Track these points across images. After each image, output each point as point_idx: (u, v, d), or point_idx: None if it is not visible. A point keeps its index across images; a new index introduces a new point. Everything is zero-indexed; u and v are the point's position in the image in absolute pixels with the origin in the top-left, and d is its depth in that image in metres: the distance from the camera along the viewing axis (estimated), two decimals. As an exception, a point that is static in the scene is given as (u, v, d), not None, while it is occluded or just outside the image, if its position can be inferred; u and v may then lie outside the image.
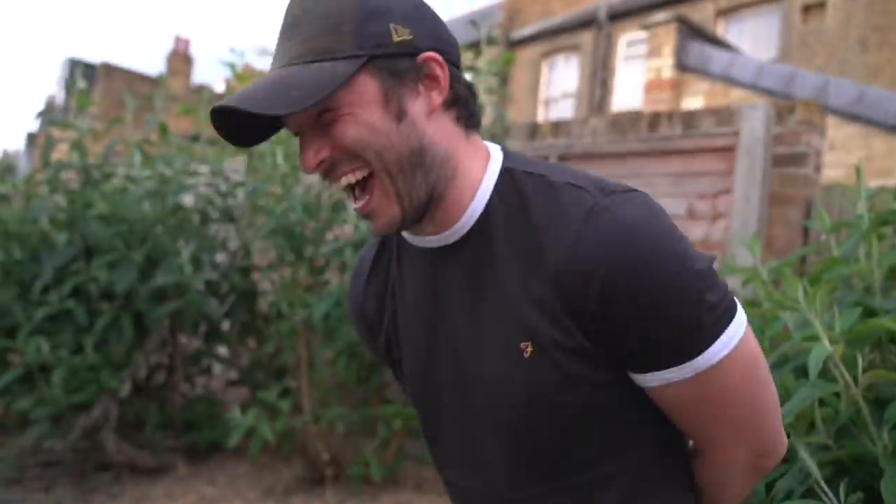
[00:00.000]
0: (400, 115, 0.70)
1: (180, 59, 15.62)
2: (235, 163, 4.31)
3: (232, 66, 3.68)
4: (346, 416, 2.86)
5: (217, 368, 3.71)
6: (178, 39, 15.86)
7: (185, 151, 3.99)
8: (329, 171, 0.73)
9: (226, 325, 3.45)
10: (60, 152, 4.08)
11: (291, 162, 3.21)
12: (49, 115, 4.50)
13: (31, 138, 14.22)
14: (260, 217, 3.41)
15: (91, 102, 4.00)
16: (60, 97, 14.27)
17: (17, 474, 3.12)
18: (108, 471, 3.12)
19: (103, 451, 3.02)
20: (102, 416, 2.93)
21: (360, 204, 0.73)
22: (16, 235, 3.31)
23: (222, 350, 3.61)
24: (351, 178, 0.72)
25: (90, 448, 3.05)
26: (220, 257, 3.57)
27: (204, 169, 3.86)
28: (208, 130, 4.14)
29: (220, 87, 11.15)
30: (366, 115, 0.69)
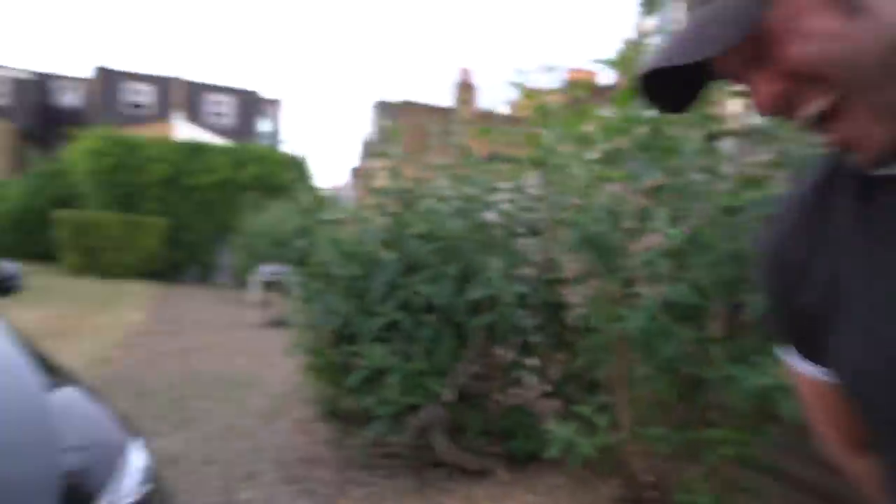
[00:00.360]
0: (854, 8, 0.53)
1: (466, 88, 16.88)
2: (531, 178, 4.43)
3: (519, 86, 3.78)
4: (668, 436, 2.68)
5: (528, 379, 3.80)
6: (462, 70, 17.18)
7: (485, 171, 4.21)
8: (787, 107, 0.59)
9: (536, 338, 3.52)
10: (378, 181, 4.62)
11: (590, 171, 3.16)
12: (367, 150, 5.15)
13: (355, 171, 16.61)
14: (562, 229, 3.42)
15: (399, 134, 4.46)
16: (372, 135, 16.40)
17: (367, 461, 3.59)
18: (441, 468, 3.39)
19: (434, 450, 3.28)
20: (431, 418, 3.19)
21: (832, 135, 0.59)
22: (352, 255, 3.79)
23: (533, 362, 3.69)
24: (814, 107, 0.57)
25: (424, 445, 3.34)
26: (527, 270, 3.67)
27: (504, 185, 4.02)
28: (504, 150, 4.33)
29: (504, 110, 11.76)
30: (810, 23, 0.54)
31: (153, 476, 1.59)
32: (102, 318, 8.27)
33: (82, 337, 6.95)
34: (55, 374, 1.88)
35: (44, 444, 1.44)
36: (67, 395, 1.74)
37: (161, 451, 3.91)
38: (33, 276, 11.31)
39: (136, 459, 1.57)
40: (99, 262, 12.82)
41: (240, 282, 13.34)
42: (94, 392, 1.84)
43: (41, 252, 14.01)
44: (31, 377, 1.74)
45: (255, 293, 8.98)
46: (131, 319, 8.42)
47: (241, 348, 7.21)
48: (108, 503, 1.39)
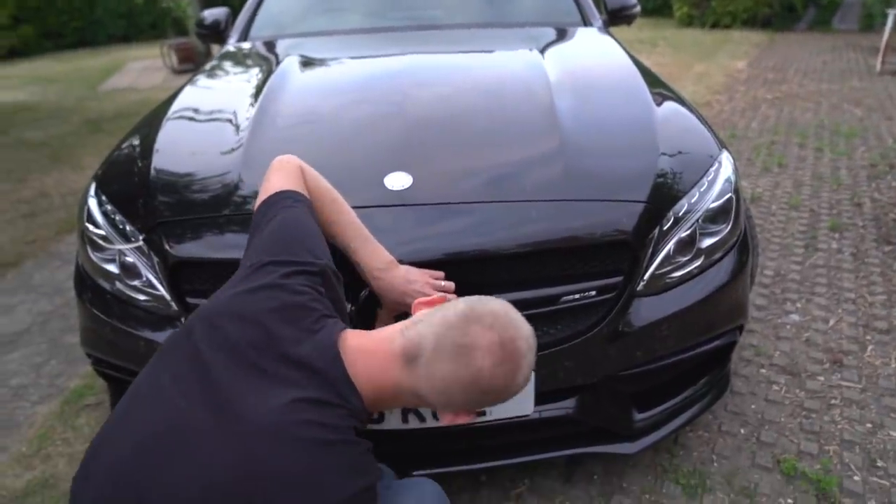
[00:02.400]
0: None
1: None
2: None
3: None
4: None
5: None
6: None
7: None
8: None
9: None
10: None
11: None
12: None
13: None
14: None
15: None
16: None
17: None
18: None
19: None
20: None
21: None
22: None
23: None
24: None
25: None
26: None
27: None
28: None
29: None
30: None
31: (735, 188, 1.64)
32: (705, 66, 8.29)
33: (685, 83, 7.16)
34: (662, 89, 2.04)
35: (646, 145, 1.64)
36: (670, 108, 1.88)
37: (747, 190, 3.86)
38: (643, 28, 12.03)
39: (724, 171, 1.64)
40: (707, 11, 12.61)
41: (867, 24, 11.24)
42: (692, 107, 1.94)
43: (656, 6, 14.60)
44: (643, 89, 1.94)
45: (885, 35, 7.40)
46: (734, 67, 8.18)
47: (855, 98, 6.24)
48: (693, 202, 1.53)
